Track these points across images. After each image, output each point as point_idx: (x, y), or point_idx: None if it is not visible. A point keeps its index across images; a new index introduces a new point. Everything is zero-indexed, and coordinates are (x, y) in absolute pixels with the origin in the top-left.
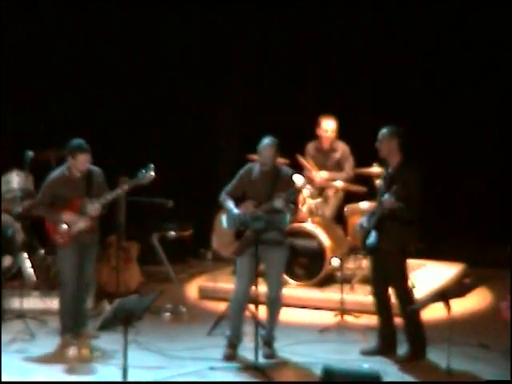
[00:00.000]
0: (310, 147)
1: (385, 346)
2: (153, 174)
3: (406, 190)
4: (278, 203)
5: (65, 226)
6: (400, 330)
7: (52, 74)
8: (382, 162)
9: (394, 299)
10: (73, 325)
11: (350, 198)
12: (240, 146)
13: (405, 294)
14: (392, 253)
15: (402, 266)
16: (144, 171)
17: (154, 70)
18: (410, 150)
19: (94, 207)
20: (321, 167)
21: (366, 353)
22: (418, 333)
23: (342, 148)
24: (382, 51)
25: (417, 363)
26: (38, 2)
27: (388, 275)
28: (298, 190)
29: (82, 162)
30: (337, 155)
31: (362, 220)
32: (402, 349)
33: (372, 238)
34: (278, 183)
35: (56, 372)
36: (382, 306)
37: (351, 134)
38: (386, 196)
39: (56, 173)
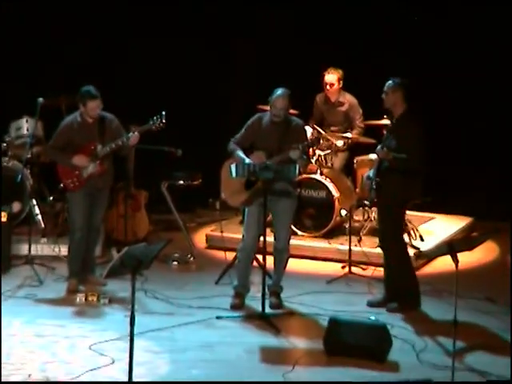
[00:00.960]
0: (319, 99)
1: (389, 297)
2: (164, 121)
3: (406, 142)
4: (294, 154)
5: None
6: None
7: (63, 18)
8: (388, 114)
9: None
10: (80, 270)
11: (359, 149)
12: (250, 95)
13: (396, 246)
14: (388, 205)
15: (397, 218)
16: (155, 118)
17: (165, 17)
18: (417, 102)
19: (104, 151)
20: (329, 120)
21: (372, 304)
22: (411, 285)
23: (349, 100)
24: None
25: (423, 316)
26: None
27: (383, 227)
28: (314, 143)
29: (92, 109)
30: (344, 108)
31: (369, 172)
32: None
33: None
34: (289, 134)
35: (63, 316)
36: (387, 258)
37: (362, 85)
38: (379, 147)
39: (69, 118)
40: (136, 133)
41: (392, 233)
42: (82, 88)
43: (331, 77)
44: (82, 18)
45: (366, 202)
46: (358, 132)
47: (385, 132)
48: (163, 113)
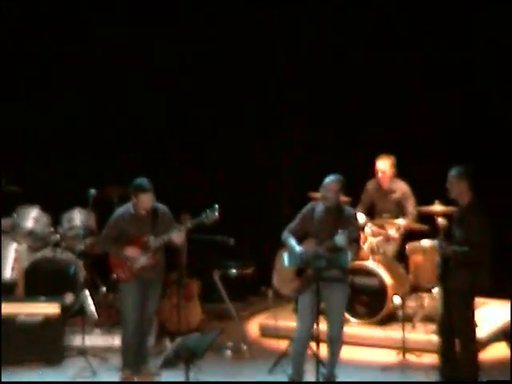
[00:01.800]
0: (370, 186)
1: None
2: (217, 214)
3: (471, 233)
4: (340, 240)
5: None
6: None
7: (113, 112)
8: (452, 202)
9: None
10: (134, 361)
11: (411, 236)
12: (302, 184)
13: (468, 335)
14: (457, 292)
15: (467, 306)
16: (208, 211)
17: (218, 108)
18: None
19: (156, 243)
20: (380, 207)
21: None
22: (474, 373)
23: (401, 188)
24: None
25: None
26: None
27: (453, 314)
28: (360, 228)
29: (144, 202)
30: (396, 195)
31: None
32: None
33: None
34: (340, 221)
35: None
36: (445, 342)
37: (413, 172)
38: (437, 242)
39: (122, 209)
40: (180, 231)
41: (462, 321)
42: (134, 180)
43: (383, 164)
44: (134, 110)
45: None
46: (410, 219)
47: (440, 219)
48: (216, 206)
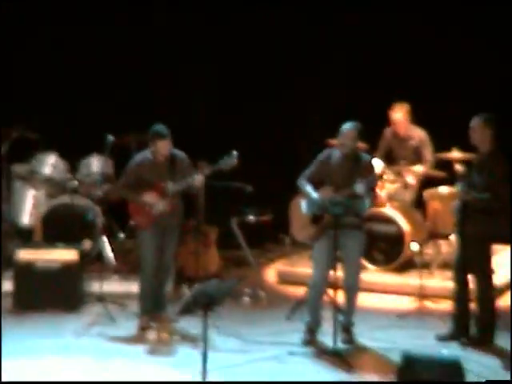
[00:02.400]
0: (387, 133)
1: (458, 331)
2: (235, 160)
3: (492, 180)
4: (360, 188)
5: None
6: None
7: (131, 58)
8: (470, 149)
9: (472, 285)
10: (152, 308)
11: (429, 182)
12: (320, 130)
13: (485, 281)
14: (475, 238)
15: (484, 252)
16: (226, 157)
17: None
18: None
19: (174, 189)
20: (398, 154)
21: (441, 338)
22: (490, 319)
23: (418, 135)
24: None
25: (497, 350)
26: None
27: (470, 261)
28: (379, 177)
29: (161, 148)
30: (413, 142)
31: (455, 204)
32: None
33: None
34: (357, 168)
35: (136, 354)
36: (460, 290)
37: (431, 118)
38: (460, 187)
39: (140, 156)
40: (200, 175)
41: (479, 267)
42: (152, 127)
43: (396, 114)
44: (152, 55)
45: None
46: (428, 166)
47: (458, 166)
48: (234, 152)
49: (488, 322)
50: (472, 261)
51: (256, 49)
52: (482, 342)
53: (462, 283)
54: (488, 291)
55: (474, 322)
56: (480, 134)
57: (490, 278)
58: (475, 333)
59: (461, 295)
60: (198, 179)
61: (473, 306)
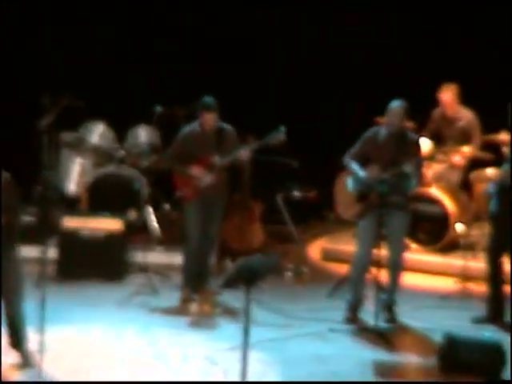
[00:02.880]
0: (436, 113)
1: (493, 314)
2: (282, 136)
3: None
4: (408, 168)
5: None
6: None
7: (185, 32)
8: None
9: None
10: (195, 280)
11: (476, 164)
12: (367, 108)
13: None
14: (509, 220)
15: None
16: (274, 132)
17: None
18: None
19: (221, 162)
20: (445, 134)
21: (476, 321)
22: None
23: (467, 117)
24: None
25: None
26: None
27: (505, 243)
28: (428, 157)
29: (207, 120)
30: (461, 123)
31: (489, 186)
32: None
33: (493, 204)
34: (404, 147)
35: (178, 325)
36: (494, 273)
37: (480, 100)
38: (502, 168)
39: (188, 128)
40: (246, 150)
41: None
42: (201, 99)
43: (445, 95)
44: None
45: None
46: (475, 147)
47: (506, 148)
48: (282, 128)
49: None
50: (507, 243)
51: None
52: None
53: (495, 266)
54: None
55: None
56: None
57: None
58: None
59: (495, 278)
60: (245, 154)
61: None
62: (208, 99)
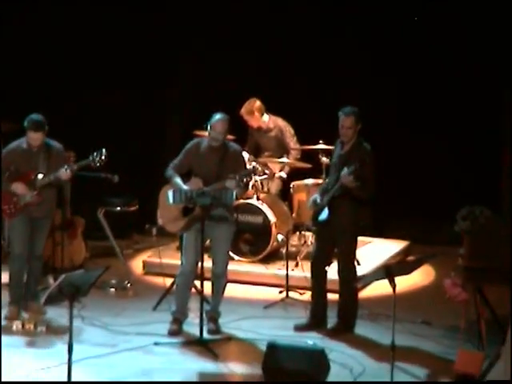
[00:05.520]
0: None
1: (315, 321)
2: (103, 158)
3: (362, 170)
4: (231, 184)
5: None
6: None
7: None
8: (333, 141)
9: (335, 275)
10: (22, 297)
11: (295, 174)
12: (185, 121)
13: (350, 270)
14: (344, 229)
15: (352, 243)
16: (95, 154)
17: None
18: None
19: (42, 181)
20: (262, 145)
21: (298, 328)
22: (352, 308)
23: (277, 125)
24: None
25: (360, 339)
26: None
27: (337, 251)
28: (251, 172)
29: (32, 139)
30: (273, 133)
31: (314, 196)
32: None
33: (324, 214)
34: (227, 160)
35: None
36: (318, 282)
37: (297, 111)
38: (346, 172)
39: (15, 143)
40: (68, 170)
41: (346, 256)
42: (28, 116)
43: (244, 111)
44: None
45: (308, 225)
46: (294, 156)
47: (324, 158)
48: (103, 150)
49: (350, 311)
50: (341, 251)
51: None
52: (343, 331)
53: (319, 274)
54: (351, 281)
55: (333, 312)
56: (353, 127)
57: (353, 268)
58: (335, 322)
59: (318, 286)
60: (66, 174)
61: (330, 296)
62: (35, 117)
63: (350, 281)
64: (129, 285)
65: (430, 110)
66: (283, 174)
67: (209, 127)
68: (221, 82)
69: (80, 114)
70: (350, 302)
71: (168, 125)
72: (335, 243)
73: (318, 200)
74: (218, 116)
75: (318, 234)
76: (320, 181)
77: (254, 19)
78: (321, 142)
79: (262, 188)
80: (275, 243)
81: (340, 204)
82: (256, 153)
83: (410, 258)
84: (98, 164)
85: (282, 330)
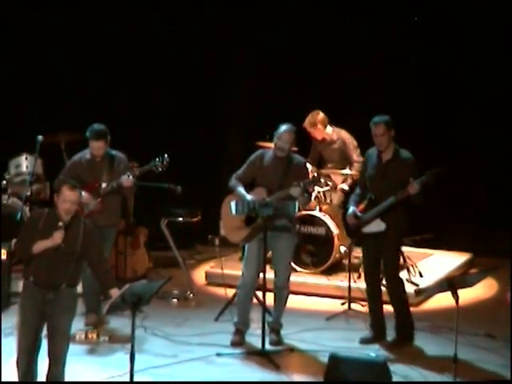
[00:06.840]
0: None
1: (376, 333)
2: (166, 163)
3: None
4: (295, 192)
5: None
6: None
7: (62, 59)
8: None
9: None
10: (99, 305)
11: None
12: (248, 132)
13: (397, 281)
14: (391, 241)
15: (398, 253)
16: (157, 159)
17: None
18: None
19: (105, 189)
20: (325, 157)
21: (364, 341)
22: (407, 319)
23: (340, 137)
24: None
25: (422, 352)
26: None
27: (385, 263)
28: (316, 180)
29: (94, 148)
30: (336, 145)
31: (352, 210)
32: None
33: (374, 226)
34: (290, 171)
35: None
36: (374, 295)
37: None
38: (415, 183)
39: (78, 155)
40: (130, 176)
41: (395, 267)
42: (90, 126)
43: (307, 124)
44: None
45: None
46: (356, 168)
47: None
48: (166, 155)
49: (405, 322)
50: (388, 262)
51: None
52: (402, 343)
53: (374, 288)
54: (402, 294)
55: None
56: (386, 135)
57: (400, 281)
58: (394, 334)
59: (373, 299)
60: (128, 181)
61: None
62: (97, 126)
63: (400, 292)
64: (191, 295)
65: (489, 119)
66: (345, 186)
67: (275, 137)
68: (279, 94)
69: (143, 127)
70: (402, 313)
71: (228, 136)
72: (381, 254)
73: (358, 212)
74: (284, 126)
75: (367, 246)
76: None
77: (316, 30)
78: None
79: (325, 199)
80: (337, 255)
81: (392, 215)
82: (319, 164)
83: (473, 270)
84: (161, 169)
85: (344, 342)
